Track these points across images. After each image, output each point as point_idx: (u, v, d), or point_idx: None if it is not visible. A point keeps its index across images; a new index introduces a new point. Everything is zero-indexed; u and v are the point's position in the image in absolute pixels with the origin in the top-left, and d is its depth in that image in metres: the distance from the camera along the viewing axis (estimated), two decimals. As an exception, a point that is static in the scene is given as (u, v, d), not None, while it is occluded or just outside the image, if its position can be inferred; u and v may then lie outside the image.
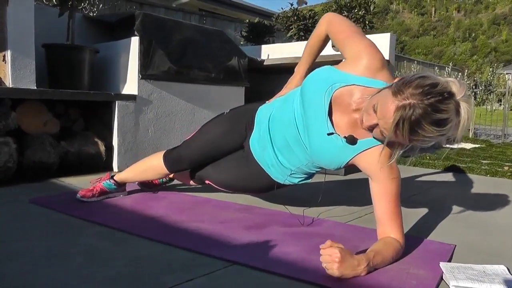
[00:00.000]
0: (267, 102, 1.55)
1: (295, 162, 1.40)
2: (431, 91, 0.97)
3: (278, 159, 1.43)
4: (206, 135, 1.58)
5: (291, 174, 1.45)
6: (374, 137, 1.17)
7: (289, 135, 1.36)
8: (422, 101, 0.96)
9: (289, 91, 1.47)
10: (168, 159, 1.63)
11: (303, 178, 1.48)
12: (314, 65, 1.47)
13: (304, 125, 1.29)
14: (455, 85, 1.00)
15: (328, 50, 1.76)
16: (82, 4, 2.54)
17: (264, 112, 1.50)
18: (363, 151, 1.21)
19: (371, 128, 1.11)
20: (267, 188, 1.53)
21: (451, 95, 0.98)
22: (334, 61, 1.27)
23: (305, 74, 1.47)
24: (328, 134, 1.23)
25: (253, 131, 1.51)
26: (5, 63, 2.09)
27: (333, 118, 1.24)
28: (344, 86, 1.20)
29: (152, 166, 1.68)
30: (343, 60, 1.28)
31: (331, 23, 1.32)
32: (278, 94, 1.53)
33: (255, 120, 1.51)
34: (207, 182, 1.64)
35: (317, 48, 1.45)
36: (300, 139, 1.33)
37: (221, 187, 1.60)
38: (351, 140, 1.21)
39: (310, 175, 1.49)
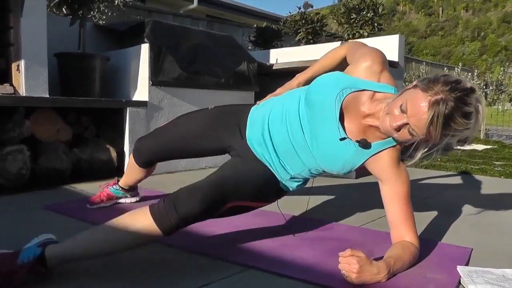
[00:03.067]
0: (258, 102, 1.45)
1: (297, 167, 1.32)
2: (458, 87, 1.04)
3: (280, 160, 1.33)
4: (180, 128, 1.45)
5: (290, 178, 1.37)
6: (395, 139, 1.17)
7: (294, 139, 1.29)
8: (451, 95, 1.03)
9: (285, 91, 1.41)
10: (133, 151, 1.56)
11: (300, 183, 1.40)
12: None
13: (311, 130, 1.25)
14: (470, 83, 1.09)
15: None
16: (91, 12, 2.57)
17: (260, 112, 1.39)
18: (375, 154, 1.21)
19: (398, 129, 1.10)
20: (277, 194, 1.41)
21: (472, 90, 1.06)
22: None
23: (304, 84, 1.43)
24: (341, 139, 1.21)
25: (247, 133, 1.38)
26: (19, 72, 2.13)
27: (344, 123, 1.23)
28: (355, 91, 1.20)
29: (131, 163, 1.60)
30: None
31: (350, 49, 1.37)
32: (271, 94, 1.45)
33: (248, 122, 1.39)
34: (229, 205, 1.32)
35: (327, 68, 1.44)
36: (306, 144, 1.27)
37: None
38: (364, 144, 1.20)
39: (307, 180, 1.41)
